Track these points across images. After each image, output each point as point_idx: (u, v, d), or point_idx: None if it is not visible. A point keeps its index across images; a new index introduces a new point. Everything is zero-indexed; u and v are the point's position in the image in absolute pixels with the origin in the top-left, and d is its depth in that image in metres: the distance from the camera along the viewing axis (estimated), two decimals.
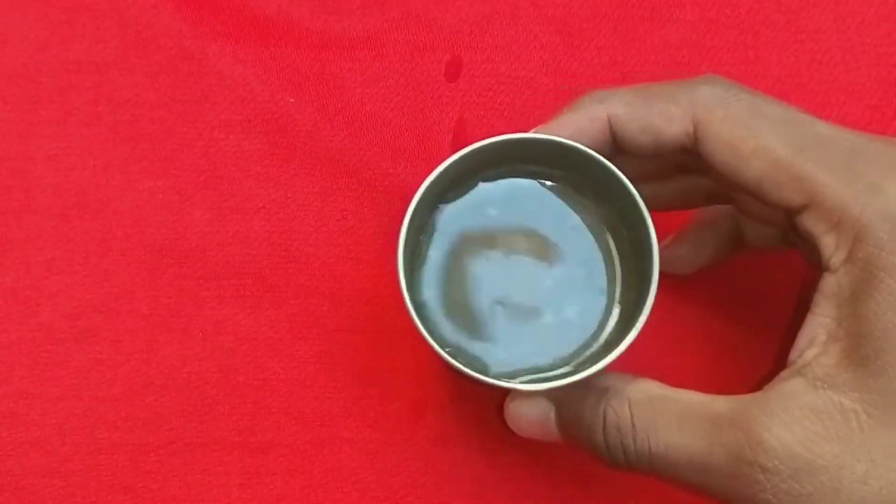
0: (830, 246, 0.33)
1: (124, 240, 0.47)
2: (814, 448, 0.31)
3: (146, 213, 0.47)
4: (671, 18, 0.48)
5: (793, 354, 0.34)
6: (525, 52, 0.48)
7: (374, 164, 0.47)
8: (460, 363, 0.35)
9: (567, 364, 0.37)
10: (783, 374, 0.34)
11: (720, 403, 0.34)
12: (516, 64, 0.48)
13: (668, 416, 0.34)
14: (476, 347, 0.37)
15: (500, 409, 0.43)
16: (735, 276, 0.45)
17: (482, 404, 0.45)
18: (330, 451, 0.45)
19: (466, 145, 0.37)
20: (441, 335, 0.38)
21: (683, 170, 0.40)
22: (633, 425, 0.34)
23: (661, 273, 0.35)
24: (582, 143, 0.36)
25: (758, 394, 0.33)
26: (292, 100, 0.48)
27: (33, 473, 0.45)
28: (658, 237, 0.36)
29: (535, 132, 0.37)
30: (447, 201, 0.39)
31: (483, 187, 0.39)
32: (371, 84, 0.48)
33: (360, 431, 0.45)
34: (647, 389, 0.35)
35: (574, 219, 0.38)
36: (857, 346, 0.32)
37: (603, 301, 0.38)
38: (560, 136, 0.36)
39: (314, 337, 0.46)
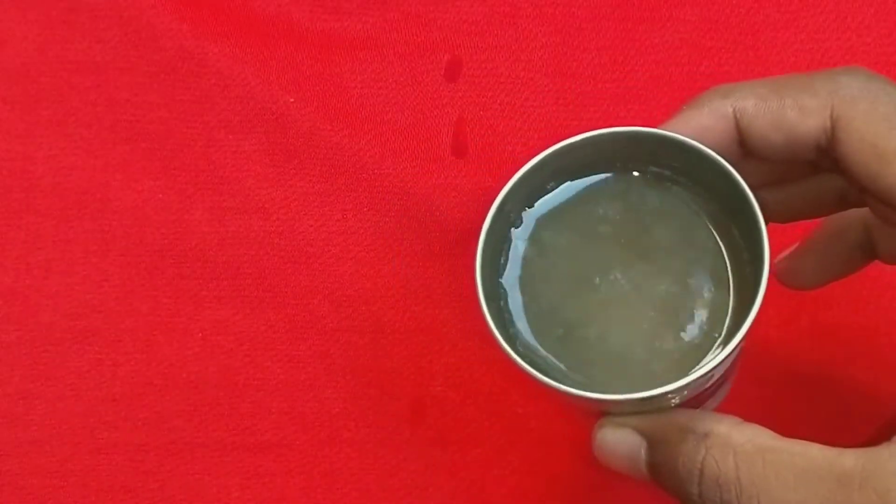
0: None
1: (124, 240, 0.47)
2: None
3: (146, 213, 0.47)
4: (671, 18, 0.48)
5: None
6: (525, 52, 0.48)
7: (373, 164, 0.47)
8: (538, 371, 0.30)
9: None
10: None
11: (848, 459, 0.28)
12: (516, 64, 0.48)
13: (782, 473, 0.29)
14: (564, 367, 0.32)
15: (499, 411, 0.43)
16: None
17: (482, 405, 0.45)
18: (330, 451, 0.45)
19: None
20: (523, 350, 0.33)
21: (812, 172, 0.35)
22: (738, 480, 0.29)
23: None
24: (705, 144, 0.31)
25: (891, 446, 0.28)
26: (292, 100, 0.48)
27: (33, 473, 0.45)
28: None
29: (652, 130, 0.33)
30: (541, 201, 0.34)
31: (582, 187, 0.34)
32: (371, 84, 0.48)
33: (359, 431, 0.45)
34: (756, 439, 0.30)
35: (686, 231, 0.33)
36: None
37: (713, 325, 0.32)
38: (681, 134, 0.32)
39: (314, 337, 0.46)
